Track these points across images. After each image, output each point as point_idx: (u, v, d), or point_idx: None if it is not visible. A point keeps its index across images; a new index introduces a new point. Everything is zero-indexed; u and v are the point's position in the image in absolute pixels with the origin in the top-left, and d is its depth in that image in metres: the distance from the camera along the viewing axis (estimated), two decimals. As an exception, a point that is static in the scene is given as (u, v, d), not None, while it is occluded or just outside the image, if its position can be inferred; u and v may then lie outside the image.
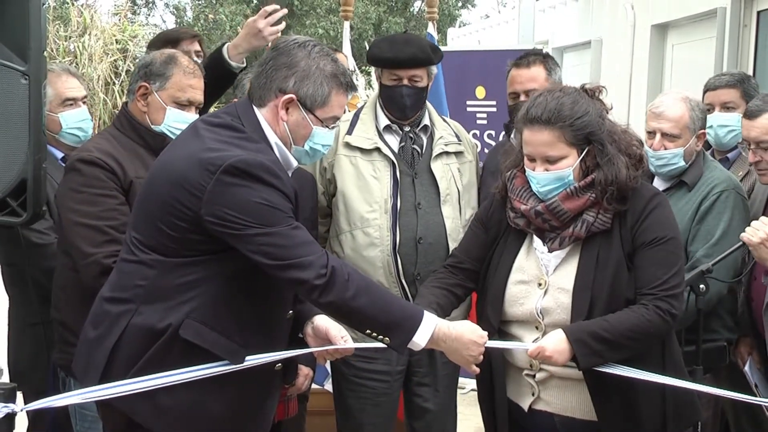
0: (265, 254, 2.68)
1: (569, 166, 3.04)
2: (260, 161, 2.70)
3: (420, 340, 2.80)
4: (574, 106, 3.03)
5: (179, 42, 4.48)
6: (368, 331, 2.81)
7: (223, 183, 2.67)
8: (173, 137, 3.37)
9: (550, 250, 3.10)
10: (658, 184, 3.84)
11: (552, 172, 3.04)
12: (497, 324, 3.11)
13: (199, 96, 3.51)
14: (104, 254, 3.17)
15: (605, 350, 2.91)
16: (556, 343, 2.93)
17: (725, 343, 3.76)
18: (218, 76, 4.06)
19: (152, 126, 3.44)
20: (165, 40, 4.49)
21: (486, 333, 2.96)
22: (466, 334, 2.90)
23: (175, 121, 3.41)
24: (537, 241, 3.14)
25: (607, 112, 3.14)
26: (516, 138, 3.25)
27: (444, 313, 3.13)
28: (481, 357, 2.94)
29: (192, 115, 3.44)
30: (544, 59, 4.14)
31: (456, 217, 3.96)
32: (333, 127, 2.93)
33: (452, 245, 3.87)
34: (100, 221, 3.22)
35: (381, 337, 2.81)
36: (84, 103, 3.99)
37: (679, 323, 3.16)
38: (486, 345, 2.95)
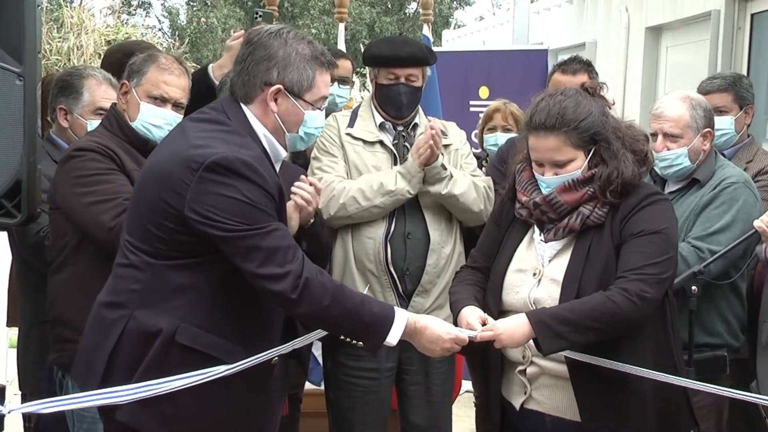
0: (243, 258, 2.69)
1: (578, 168, 3.06)
2: (242, 158, 2.71)
3: (392, 339, 2.84)
4: (576, 108, 3.03)
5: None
6: (342, 337, 2.83)
7: (205, 180, 2.68)
8: (148, 133, 3.45)
9: (546, 241, 3.12)
10: (671, 185, 3.84)
11: (561, 176, 3.06)
12: (497, 312, 3.11)
13: (174, 93, 3.51)
14: None
15: (568, 332, 2.87)
16: (513, 325, 2.93)
17: (725, 353, 3.74)
18: (203, 93, 4.07)
19: (130, 123, 3.46)
20: (123, 51, 4.44)
21: (455, 328, 2.98)
22: (429, 326, 2.92)
23: (149, 116, 3.44)
24: (537, 232, 3.17)
25: (610, 108, 3.15)
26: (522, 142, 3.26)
27: (481, 305, 3.15)
28: (455, 348, 2.95)
29: (167, 111, 3.47)
30: (588, 68, 4.21)
31: (437, 207, 4.03)
32: (323, 108, 2.96)
33: (433, 234, 3.97)
34: (113, 195, 3.21)
35: (355, 342, 2.84)
36: None
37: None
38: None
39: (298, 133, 2.92)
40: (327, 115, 4.88)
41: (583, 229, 3.08)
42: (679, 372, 3.11)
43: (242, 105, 2.87)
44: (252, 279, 2.72)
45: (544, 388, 3.12)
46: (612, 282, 2.98)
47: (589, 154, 3.06)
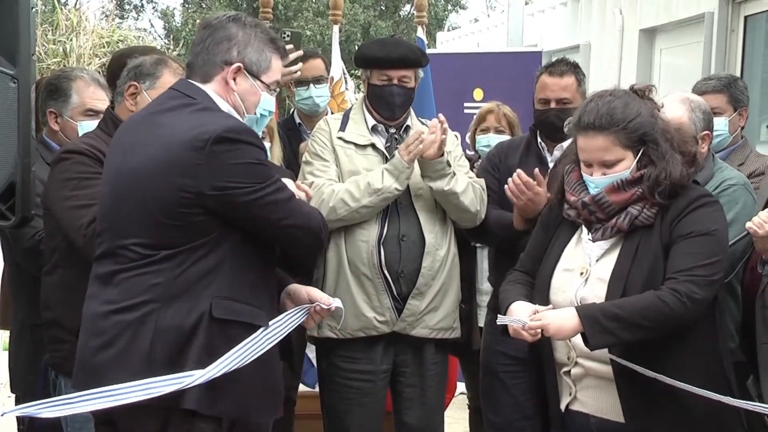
0: (271, 211, 2.83)
1: (626, 168, 3.08)
2: (240, 125, 2.84)
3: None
4: (625, 108, 3.06)
5: None
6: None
7: (215, 154, 2.75)
8: None
9: (594, 240, 3.14)
10: None
11: (610, 176, 3.08)
12: None
13: None
14: None
15: (617, 328, 2.91)
16: (562, 317, 2.96)
17: None
18: None
19: None
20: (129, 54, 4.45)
21: None
22: None
23: None
24: (585, 232, 3.18)
25: (659, 111, 3.16)
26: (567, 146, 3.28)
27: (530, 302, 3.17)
28: None
29: None
30: (575, 69, 4.20)
31: (432, 210, 4.03)
32: (275, 92, 3.07)
33: (428, 236, 3.98)
34: (93, 201, 3.18)
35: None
36: None
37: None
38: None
39: (255, 114, 3.00)
40: (314, 118, 4.89)
41: (631, 229, 3.09)
42: (728, 374, 3.11)
43: (201, 85, 2.92)
44: (283, 231, 2.88)
45: (589, 389, 3.13)
46: (659, 282, 2.99)
47: (637, 155, 3.08)
